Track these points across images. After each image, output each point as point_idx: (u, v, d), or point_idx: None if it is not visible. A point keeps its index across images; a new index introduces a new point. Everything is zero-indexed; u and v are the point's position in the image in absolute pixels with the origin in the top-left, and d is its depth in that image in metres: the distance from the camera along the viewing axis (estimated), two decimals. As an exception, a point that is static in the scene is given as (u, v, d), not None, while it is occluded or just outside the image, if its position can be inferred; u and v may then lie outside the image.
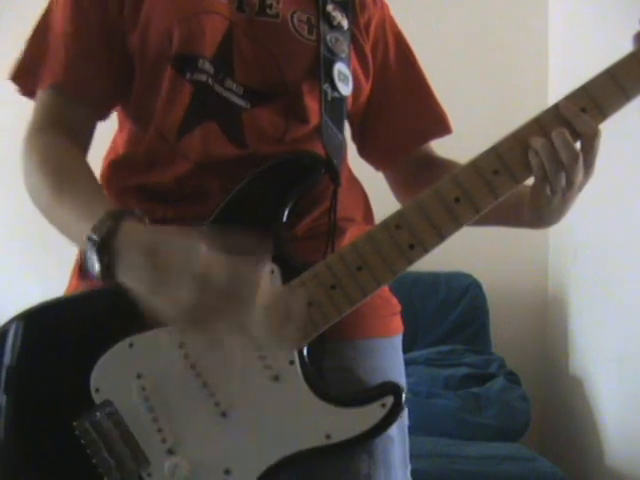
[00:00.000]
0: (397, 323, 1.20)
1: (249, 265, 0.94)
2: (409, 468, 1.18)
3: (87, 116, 1.15)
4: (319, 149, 1.11)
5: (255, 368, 1.00)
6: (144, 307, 0.93)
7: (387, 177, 1.33)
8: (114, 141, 1.20)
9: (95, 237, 0.95)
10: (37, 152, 1.10)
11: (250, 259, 0.94)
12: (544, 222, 1.11)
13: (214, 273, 0.90)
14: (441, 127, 1.29)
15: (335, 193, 1.11)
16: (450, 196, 1.00)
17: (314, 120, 1.13)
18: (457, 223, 1.01)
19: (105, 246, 0.94)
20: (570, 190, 1.03)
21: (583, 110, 0.99)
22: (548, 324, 3.23)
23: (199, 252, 0.92)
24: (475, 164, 1.01)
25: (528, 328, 3.23)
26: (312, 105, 1.13)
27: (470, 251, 2.80)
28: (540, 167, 1.00)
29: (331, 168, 1.10)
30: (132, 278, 0.93)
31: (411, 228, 1.00)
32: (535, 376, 3.11)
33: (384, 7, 1.28)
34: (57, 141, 1.11)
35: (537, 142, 1.00)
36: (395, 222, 1.01)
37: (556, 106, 1.01)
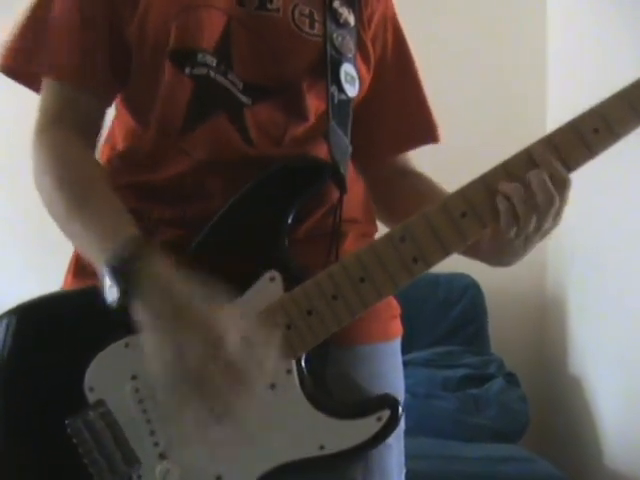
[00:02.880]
0: (396, 326, 1.19)
1: (265, 344, 0.94)
2: (404, 472, 1.17)
3: (98, 104, 1.13)
4: (323, 153, 1.09)
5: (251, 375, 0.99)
6: (146, 346, 0.94)
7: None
8: (110, 133, 1.18)
9: (116, 265, 0.95)
10: (47, 153, 1.08)
11: (268, 334, 0.95)
12: (502, 261, 1.09)
13: (228, 346, 0.91)
14: (430, 135, 1.25)
15: (341, 200, 1.09)
16: (457, 211, 0.98)
17: (314, 118, 1.11)
18: (463, 238, 0.99)
19: (126, 275, 0.94)
20: (535, 234, 1.00)
21: (596, 131, 0.96)
22: (547, 325, 3.22)
23: (220, 319, 0.92)
24: (484, 179, 0.99)
25: (527, 329, 3.22)
26: (313, 102, 1.11)
27: (468, 251, 2.79)
28: (510, 211, 0.97)
29: (337, 175, 1.08)
30: (148, 319, 0.94)
31: (415, 241, 0.99)
32: (534, 377, 3.10)
33: (388, 3, 1.24)
34: (68, 141, 1.09)
35: (508, 187, 0.97)
36: (399, 234, 1.00)
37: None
